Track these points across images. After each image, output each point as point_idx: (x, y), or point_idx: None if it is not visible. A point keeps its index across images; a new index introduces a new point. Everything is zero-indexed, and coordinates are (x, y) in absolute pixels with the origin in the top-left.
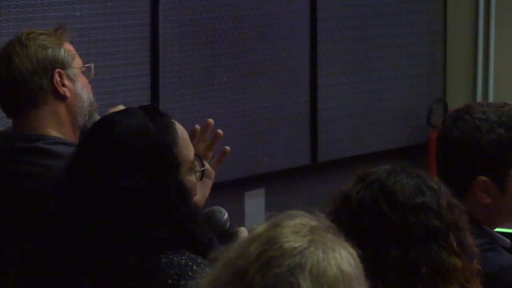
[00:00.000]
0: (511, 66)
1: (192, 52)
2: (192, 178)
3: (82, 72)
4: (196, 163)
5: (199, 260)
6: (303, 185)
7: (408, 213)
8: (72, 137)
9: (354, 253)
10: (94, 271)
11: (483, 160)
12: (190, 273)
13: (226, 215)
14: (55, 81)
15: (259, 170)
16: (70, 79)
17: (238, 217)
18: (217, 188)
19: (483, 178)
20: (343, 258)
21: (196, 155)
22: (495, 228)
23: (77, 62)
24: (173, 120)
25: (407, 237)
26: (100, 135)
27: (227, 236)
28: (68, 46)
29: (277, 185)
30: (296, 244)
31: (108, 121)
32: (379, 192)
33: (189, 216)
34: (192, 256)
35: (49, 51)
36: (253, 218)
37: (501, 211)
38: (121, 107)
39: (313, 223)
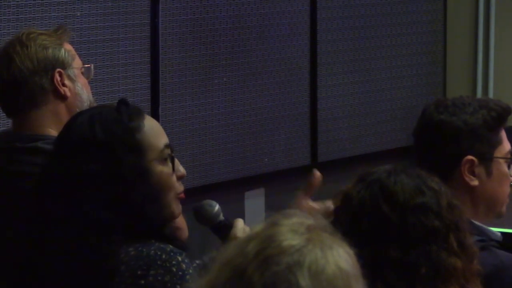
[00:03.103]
0: (511, 66)
1: (192, 52)
2: (166, 169)
3: (82, 72)
4: (166, 151)
5: (168, 249)
6: (303, 185)
7: (408, 213)
8: None
9: (351, 252)
10: (56, 256)
11: (471, 139)
12: (159, 262)
13: (217, 208)
14: (55, 81)
15: (259, 170)
16: (70, 79)
17: (238, 217)
18: (217, 188)
19: (470, 157)
20: (341, 256)
21: (167, 146)
22: (483, 221)
23: (77, 63)
24: (143, 112)
25: (407, 238)
26: (67, 125)
27: (222, 227)
28: (68, 46)
29: (277, 185)
30: (294, 242)
31: (77, 114)
32: (379, 193)
33: (147, 196)
34: (162, 246)
35: (50, 51)
36: (253, 218)
37: (486, 196)
38: None
39: (310, 222)
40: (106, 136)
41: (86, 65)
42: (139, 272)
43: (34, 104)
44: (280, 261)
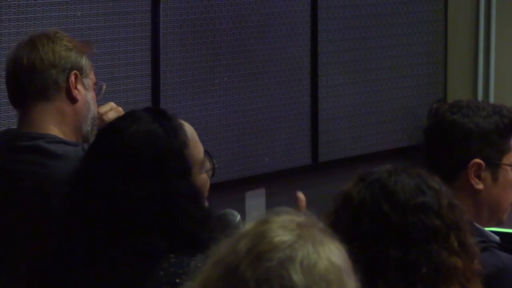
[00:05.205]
0: (511, 66)
1: (193, 52)
2: (203, 176)
3: (94, 89)
4: (206, 160)
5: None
6: (303, 185)
7: (408, 213)
8: (72, 139)
9: (342, 247)
10: (91, 277)
11: (480, 143)
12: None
13: (238, 218)
14: (70, 81)
15: (259, 170)
16: (84, 86)
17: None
18: (218, 188)
19: (478, 160)
20: (332, 251)
21: (205, 152)
22: (484, 226)
23: (92, 76)
24: (181, 121)
25: (407, 237)
26: (107, 142)
27: None
28: (88, 59)
29: (278, 185)
30: (286, 238)
31: (114, 128)
32: (380, 192)
33: (200, 222)
34: (203, 257)
35: (73, 53)
36: (254, 218)
37: (489, 201)
38: (112, 104)
39: (300, 219)
40: (156, 161)
41: (100, 82)
42: (177, 281)
43: (43, 96)
44: (272, 256)
